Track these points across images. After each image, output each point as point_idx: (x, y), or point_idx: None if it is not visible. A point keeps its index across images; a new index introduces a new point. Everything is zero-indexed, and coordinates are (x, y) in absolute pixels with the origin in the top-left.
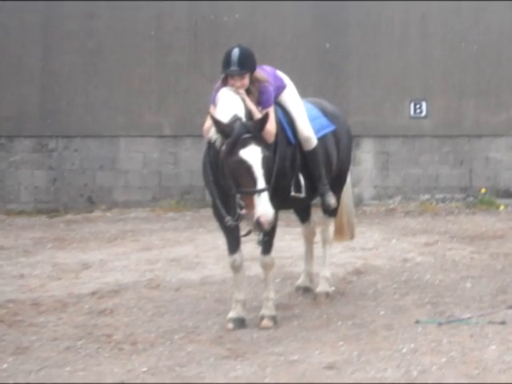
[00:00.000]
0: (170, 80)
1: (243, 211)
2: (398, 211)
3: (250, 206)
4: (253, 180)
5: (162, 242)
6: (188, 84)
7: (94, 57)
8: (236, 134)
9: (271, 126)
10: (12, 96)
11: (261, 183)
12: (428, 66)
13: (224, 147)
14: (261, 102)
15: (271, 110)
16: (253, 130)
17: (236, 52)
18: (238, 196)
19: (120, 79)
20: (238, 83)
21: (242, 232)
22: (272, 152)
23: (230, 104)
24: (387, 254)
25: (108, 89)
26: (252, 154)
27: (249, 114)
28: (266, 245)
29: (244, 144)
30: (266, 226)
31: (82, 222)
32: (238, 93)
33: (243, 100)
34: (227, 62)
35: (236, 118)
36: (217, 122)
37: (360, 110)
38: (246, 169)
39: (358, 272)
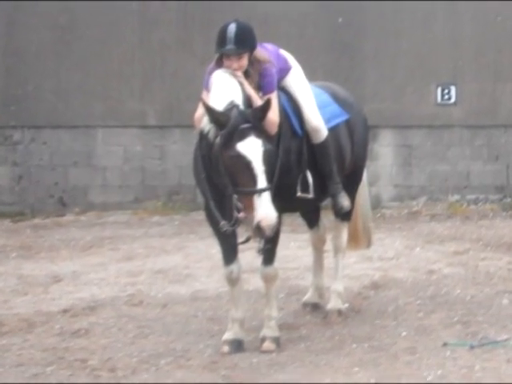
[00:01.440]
0: (155, 61)
1: (241, 214)
2: (423, 214)
3: (249, 208)
4: (252, 178)
5: (146, 251)
6: (176, 66)
7: (66, 34)
8: (232, 124)
9: (274, 115)
10: None
11: (261, 182)
12: (457, 45)
13: (219, 139)
14: (261, 87)
15: (274, 96)
16: (252, 119)
17: (232, 28)
18: (235, 197)
19: (97, 60)
20: (235, 64)
21: (240, 239)
22: (275, 145)
23: (225, 89)
24: (410, 264)
25: (83, 71)
26: (251, 148)
27: (247, 100)
28: (268, 254)
29: (242, 136)
30: (268, 232)
31: (51, 227)
32: (234, 76)
33: (241, 84)
34: (222, 39)
35: (233, 106)
36: (210, 110)
37: (378, 97)
38: (245, 165)
39: (375, 286)
